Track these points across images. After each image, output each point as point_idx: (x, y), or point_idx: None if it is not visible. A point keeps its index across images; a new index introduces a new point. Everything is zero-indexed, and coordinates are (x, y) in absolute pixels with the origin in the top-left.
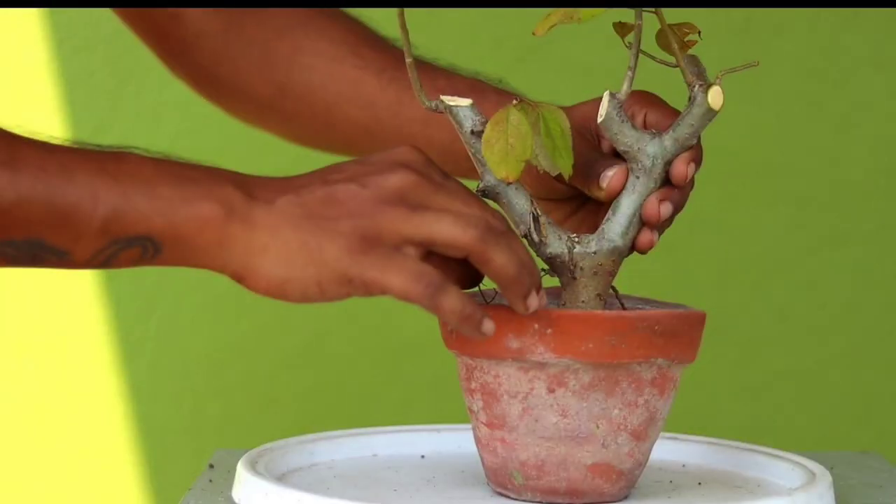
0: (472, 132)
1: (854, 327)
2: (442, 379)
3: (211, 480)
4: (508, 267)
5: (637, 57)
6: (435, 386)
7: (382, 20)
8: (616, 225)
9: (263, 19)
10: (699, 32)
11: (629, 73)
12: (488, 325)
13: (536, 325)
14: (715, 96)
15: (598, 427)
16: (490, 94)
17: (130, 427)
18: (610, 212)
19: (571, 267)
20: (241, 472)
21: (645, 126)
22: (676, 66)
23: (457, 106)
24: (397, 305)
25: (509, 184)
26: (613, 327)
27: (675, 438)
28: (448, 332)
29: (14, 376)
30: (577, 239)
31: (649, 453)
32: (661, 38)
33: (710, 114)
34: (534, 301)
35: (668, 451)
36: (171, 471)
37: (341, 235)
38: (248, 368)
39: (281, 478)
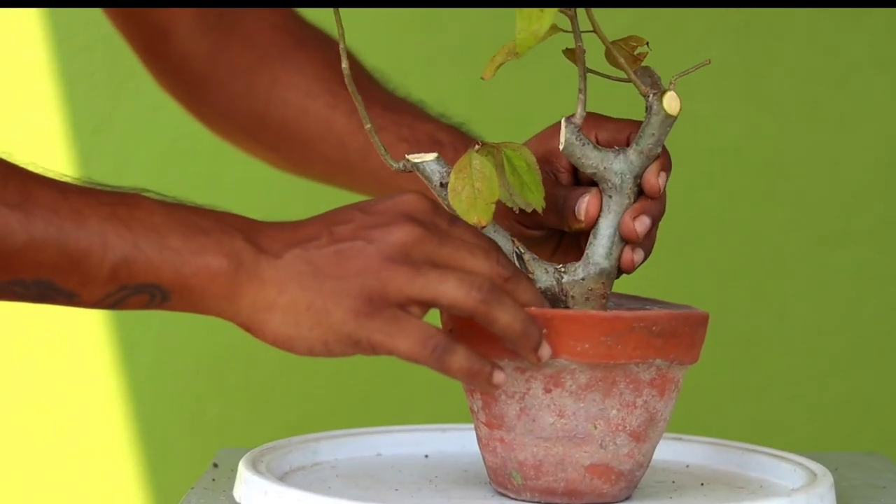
0: (441, 185)
1: (855, 327)
2: (444, 379)
3: (214, 479)
4: (514, 325)
5: (585, 79)
6: (437, 386)
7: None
8: (599, 248)
9: (249, 45)
10: (647, 43)
11: (581, 95)
12: (499, 377)
13: None
14: (670, 101)
15: (595, 427)
16: (448, 147)
17: (131, 427)
18: (591, 235)
19: (563, 297)
20: (243, 471)
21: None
22: (629, 81)
23: (422, 162)
24: None
25: (483, 227)
26: (610, 328)
27: (680, 439)
28: (449, 331)
29: (14, 377)
30: (563, 269)
31: (651, 454)
32: (609, 57)
33: (669, 120)
34: (545, 351)
35: (671, 451)
36: (172, 472)
37: (347, 296)
38: (249, 368)
39: (283, 477)
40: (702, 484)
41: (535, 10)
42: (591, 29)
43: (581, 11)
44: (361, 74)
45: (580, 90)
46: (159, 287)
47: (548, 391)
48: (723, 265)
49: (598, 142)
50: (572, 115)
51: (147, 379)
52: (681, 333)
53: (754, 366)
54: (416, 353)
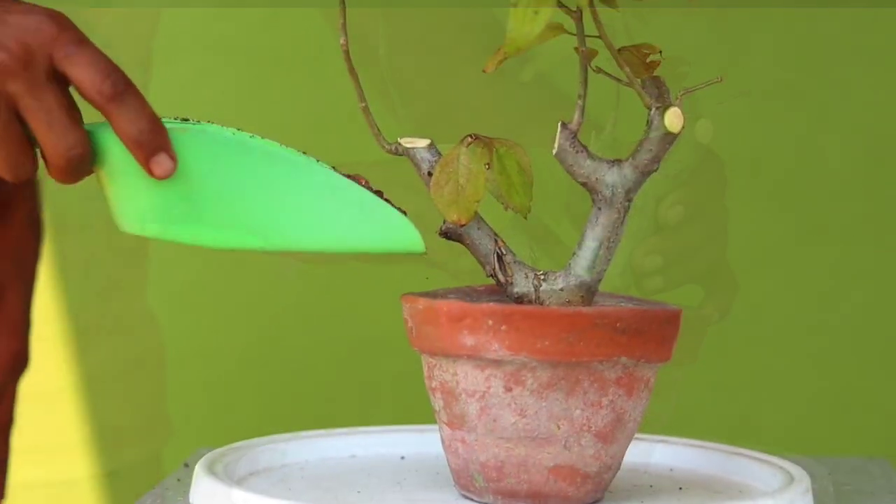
0: (429, 174)
1: (835, 324)
2: (410, 377)
3: (179, 480)
4: (129, 128)
5: (586, 85)
6: (401, 385)
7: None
8: (582, 260)
9: None
10: (660, 52)
11: (579, 101)
12: (164, 162)
13: (491, 322)
14: (672, 118)
15: (559, 428)
16: None
17: (83, 427)
18: (576, 246)
19: (539, 305)
20: (198, 473)
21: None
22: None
23: (413, 148)
24: (362, 301)
25: (462, 226)
26: (571, 324)
27: (665, 441)
28: (410, 330)
29: None
30: (543, 276)
31: (621, 456)
32: (619, 61)
33: (669, 137)
34: (162, 164)
35: (656, 454)
36: (126, 473)
37: None
38: (207, 367)
39: (245, 478)
40: (680, 488)
41: (529, 10)
42: (597, 34)
43: (587, 12)
44: None
45: (579, 95)
46: None
47: (508, 389)
48: None
49: None
50: (570, 122)
51: (99, 375)
52: (648, 330)
53: (730, 363)
54: (95, 80)
